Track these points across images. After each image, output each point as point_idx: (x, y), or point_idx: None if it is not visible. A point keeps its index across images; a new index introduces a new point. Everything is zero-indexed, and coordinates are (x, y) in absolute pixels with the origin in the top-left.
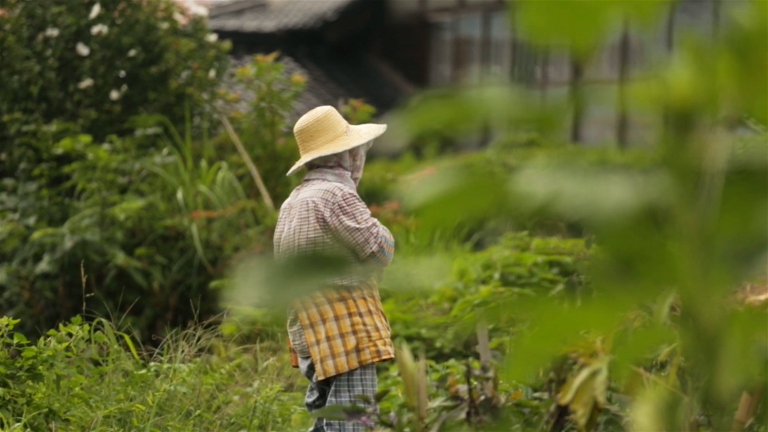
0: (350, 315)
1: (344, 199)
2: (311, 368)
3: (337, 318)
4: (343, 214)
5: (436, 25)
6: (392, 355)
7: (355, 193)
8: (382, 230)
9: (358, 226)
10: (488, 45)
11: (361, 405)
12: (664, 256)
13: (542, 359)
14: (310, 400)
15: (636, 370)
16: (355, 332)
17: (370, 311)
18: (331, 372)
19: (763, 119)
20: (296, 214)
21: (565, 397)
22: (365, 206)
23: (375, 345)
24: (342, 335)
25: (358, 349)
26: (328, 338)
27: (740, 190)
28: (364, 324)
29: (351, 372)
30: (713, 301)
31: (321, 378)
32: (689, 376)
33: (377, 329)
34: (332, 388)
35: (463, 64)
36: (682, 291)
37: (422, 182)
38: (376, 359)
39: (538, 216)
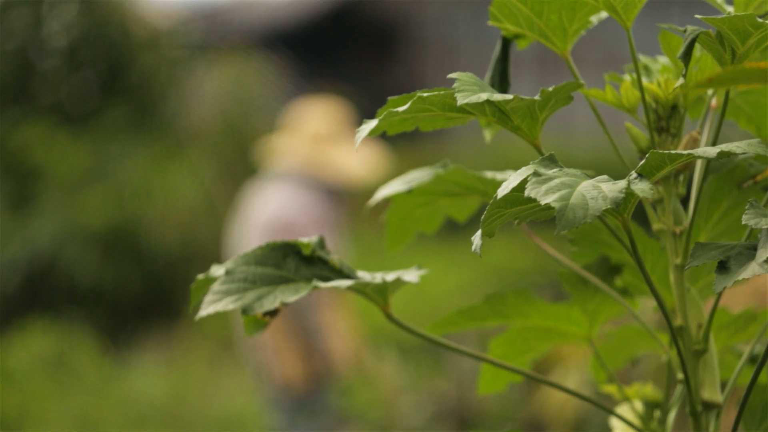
0: None
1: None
2: None
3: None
4: None
5: (420, 22)
6: None
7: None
8: None
9: None
10: (470, 42)
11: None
12: (645, 257)
13: (521, 360)
14: None
15: (616, 373)
16: None
17: None
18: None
19: (747, 115)
20: None
21: (541, 403)
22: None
23: None
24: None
25: None
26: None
27: (723, 187)
28: None
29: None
30: (696, 304)
31: None
32: (671, 382)
33: None
34: None
35: (445, 62)
36: (664, 293)
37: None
38: None
39: (517, 214)
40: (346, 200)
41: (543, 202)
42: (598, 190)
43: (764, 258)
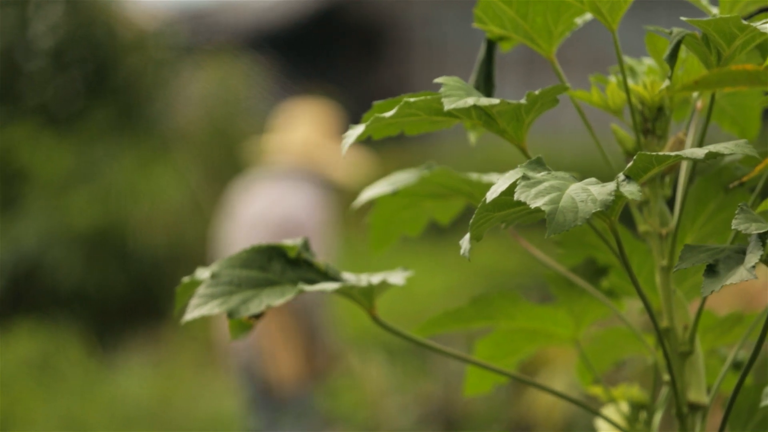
0: None
1: None
2: None
3: None
4: None
5: (406, 23)
6: None
7: None
8: None
9: None
10: (456, 43)
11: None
12: (631, 259)
13: (507, 362)
14: None
15: (602, 375)
16: None
17: None
18: None
19: (731, 117)
20: None
21: (528, 405)
22: None
23: None
24: None
25: None
26: None
27: (710, 189)
28: None
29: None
30: (682, 306)
31: None
32: (657, 383)
33: None
34: None
35: (431, 63)
36: (650, 295)
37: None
38: None
39: (505, 218)
40: (333, 199)
41: (533, 205)
42: (587, 193)
43: (753, 263)
